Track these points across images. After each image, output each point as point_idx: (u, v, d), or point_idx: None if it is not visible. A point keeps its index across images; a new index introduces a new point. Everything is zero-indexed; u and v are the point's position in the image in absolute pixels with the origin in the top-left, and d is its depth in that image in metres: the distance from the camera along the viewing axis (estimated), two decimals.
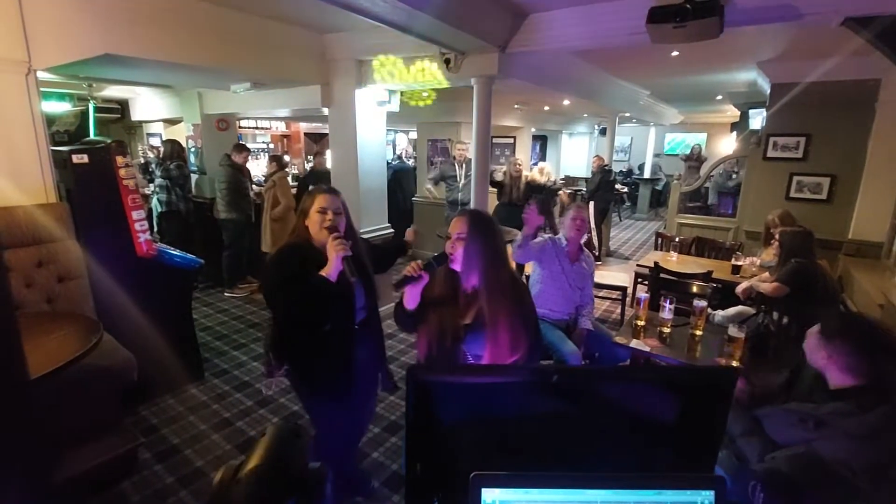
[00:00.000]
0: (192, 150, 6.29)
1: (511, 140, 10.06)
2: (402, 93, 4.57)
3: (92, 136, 5.35)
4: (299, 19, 3.65)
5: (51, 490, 1.46)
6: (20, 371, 1.01)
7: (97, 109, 5.98)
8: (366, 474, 2.53)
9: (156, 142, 7.70)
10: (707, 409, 0.87)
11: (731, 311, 3.38)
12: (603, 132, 11.16)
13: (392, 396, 3.22)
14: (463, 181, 5.79)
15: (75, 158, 2.85)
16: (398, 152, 11.64)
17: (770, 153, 5.13)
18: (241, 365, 3.79)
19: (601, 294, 4.99)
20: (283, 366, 1.96)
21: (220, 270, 5.45)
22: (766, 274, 3.42)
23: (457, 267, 1.65)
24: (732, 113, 9.42)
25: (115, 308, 2.88)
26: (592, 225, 6.69)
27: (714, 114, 11.03)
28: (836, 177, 4.85)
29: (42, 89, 2.79)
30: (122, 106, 7.14)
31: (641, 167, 13.15)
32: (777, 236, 3.32)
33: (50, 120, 5.00)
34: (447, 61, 3.61)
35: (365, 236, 2.77)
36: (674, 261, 4.33)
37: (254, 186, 5.88)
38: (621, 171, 12.84)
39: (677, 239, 4.92)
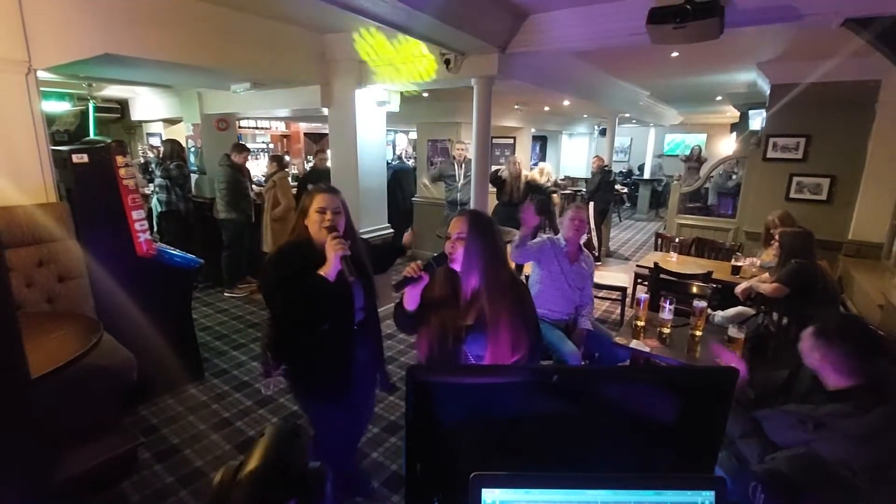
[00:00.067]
0: (192, 149, 6.29)
1: (511, 140, 10.07)
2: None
3: (92, 135, 5.35)
4: (299, 19, 3.65)
5: (51, 490, 1.46)
6: (21, 371, 1.01)
7: (97, 109, 5.99)
8: (365, 474, 2.53)
9: (156, 141, 7.70)
10: (707, 410, 0.87)
11: (731, 311, 3.38)
12: (603, 133, 11.16)
13: (392, 396, 3.22)
14: (462, 181, 5.79)
15: (75, 158, 2.85)
16: (398, 152, 11.64)
17: (770, 154, 5.13)
18: (241, 365, 3.79)
19: (601, 294, 4.99)
20: (281, 365, 1.96)
21: (220, 270, 5.45)
22: (766, 275, 3.42)
23: (457, 267, 1.65)
24: (732, 114, 9.43)
25: (115, 308, 2.88)
26: (592, 225, 6.70)
27: (714, 114, 11.04)
28: (835, 178, 4.85)
29: (42, 89, 2.79)
30: (122, 106, 7.14)
31: (641, 168, 13.16)
32: (777, 237, 3.32)
33: (50, 119, 5.00)
34: (447, 62, 3.61)
35: (365, 236, 2.77)
36: (674, 261, 4.34)
37: (254, 186, 5.88)
38: (621, 172, 12.86)
39: (677, 239, 4.92)
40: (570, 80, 5.31)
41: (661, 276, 3.77)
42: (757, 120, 6.55)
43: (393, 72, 3.99)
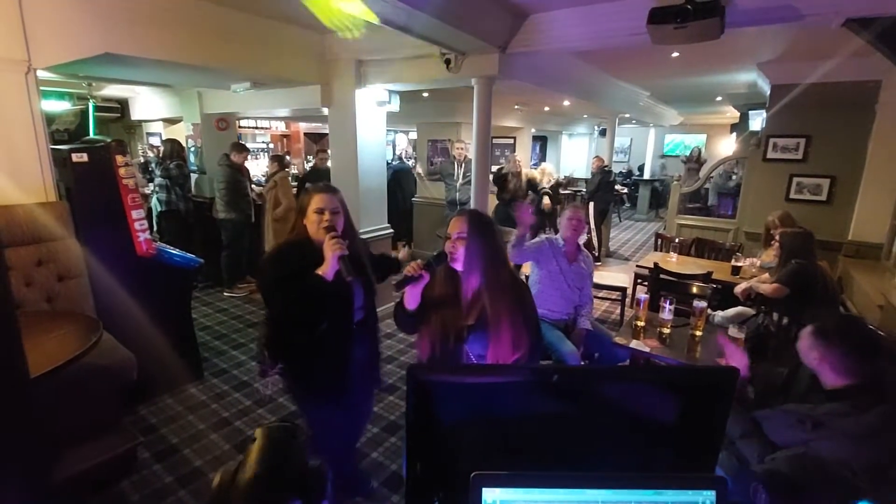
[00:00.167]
0: (192, 149, 6.29)
1: (511, 140, 10.08)
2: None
3: (91, 135, 5.35)
4: (299, 19, 3.65)
5: (50, 489, 1.46)
6: (20, 370, 1.01)
7: (97, 108, 5.98)
8: (365, 474, 2.53)
9: (155, 141, 7.70)
10: (707, 410, 0.87)
11: (731, 311, 3.38)
12: (603, 133, 11.16)
13: (391, 396, 3.22)
14: (461, 181, 5.80)
15: (75, 157, 2.84)
16: (398, 153, 11.64)
17: (770, 154, 5.13)
18: (240, 364, 3.78)
19: (601, 294, 4.99)
20: (278, 364, 1.95)
21: (220, 270, 5.44)
22: (766, 275, 3.42)
23: (458, 267, 1.66)
24: (732, 114, 9.43)
25: (114, 307, 2.87)
26: (592, 226, 6.71)
27: (714, 115, 11.04)
28: (835, 178, 4.85)
29: (42, 88, 2.79)
30: (122, 105, 7.13)
31: (641, 168, 13.16)
32: (777, 237, 3.32)
33: (49, 119, 5.00)
34: (447, 61, 3.61)
35: (365, 237, 2.77)
36: (673, 262, 4.34)
37: (253, 186, 5.87)
38: (621, 172, 12.87)
39: (677, 240, 4.92)
40: (571, 80, 5.31)
41: (661, 276, 3.77)
42: (757, 120, 6.54)
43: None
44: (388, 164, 6.21)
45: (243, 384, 3.48)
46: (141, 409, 3.11)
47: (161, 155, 5.80)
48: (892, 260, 3.95)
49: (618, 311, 4.97)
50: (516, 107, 8.03)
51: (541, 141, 14.01)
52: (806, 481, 1.42)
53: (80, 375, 1.97)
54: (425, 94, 5.97)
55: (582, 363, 2.96)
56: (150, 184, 6.18)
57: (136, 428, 2.82)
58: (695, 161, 9.77)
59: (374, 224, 4.64)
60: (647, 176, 12.64)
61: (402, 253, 2.38)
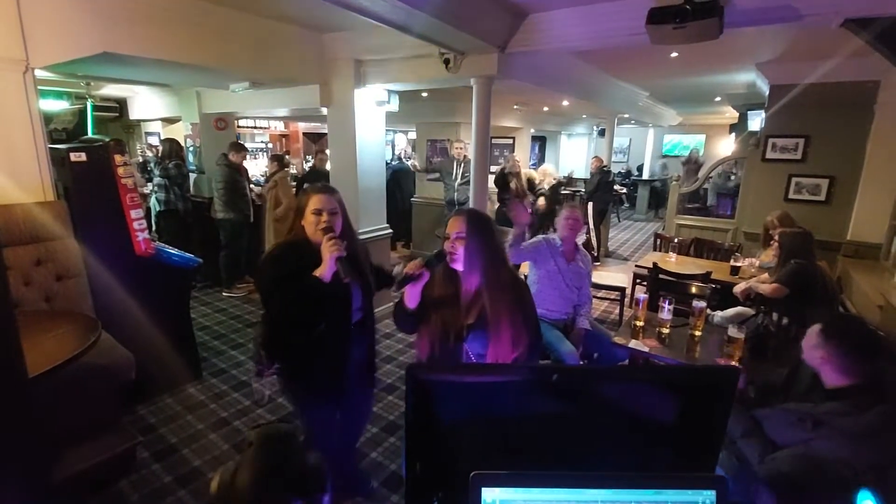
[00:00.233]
0: (191, 149, 6.28)
1: (510, 140, 10.08)
2: None
3: (90, 134, 5.34)
4: (298, 19, 3.65)
5: (50, 489, 1.46)
6: (19, 370, 1.00)
7: (95, 108, 5.97)
8: (365, 474, 2.53)
9: (154, 141, 7.68)
10: (708, 409, 0.87)
11: (730, 311, 3.38)
12: (602, 133, 11.18)
13: (391, 396, 3.22)
14: (459, 181, 5.80)
15: (73, 157, 2.84)
16: (397, 153, 11.64)
17: (769, 154, 5.13)
18: (239, 364, 3.78)
19: (600, 294, 4.99)
20: (275, 364, 1.95)
21: (219, 270, 5.44)
22: (766, 275, 3.42)
23: (458, 267, 1.65)
24: (731, 114, 9.44)
25: (113, 307, 2.87)
26: (591, 225, 6.72)
27: (713, 115, 11.05)
28: (834, 178, 4.85)
29: (40, 87, 2.78)
30: (121, 104, 7.12)
31: (640, 168, 13.17)
32: (776, 237, 3.32)
33: (48, 118, 4.99)
34: (446, 61, 3.61)
35: (364, 237, 2.76)
36: (673, 262, 4.34)
37: (252, 186, 5.86)
38: (620, 173, 12.88)
39: (676, 240, 4.92)
40: (570, 80, 5.31)
41: (660, 276, 3.78)
42: (756, 120, 6.55)
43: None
44: (387, 163, 6.21)
45: (242, 384, 3.48)
46: (140, 409, 3.11)
47: (160, 154, 5.79)
48: (891, 260, 3.95)
49: (617, 310, 4.97)
50: (515, 107, 8.03)
51: (540, 141, 14.01)
52: (807, 481, 1.43)
53: (79, 375, 1.97)
54: (424, 94, 5.96)
55: (581, 363, 2.96)
56: (149, 183, 6.17)
57: (135, 427, 2.81)
58: (693, 162, 9.80)
59: (373, 224, 4.64)
60: (646, 176, 12.65)
61: (396, 269, 2.36)
